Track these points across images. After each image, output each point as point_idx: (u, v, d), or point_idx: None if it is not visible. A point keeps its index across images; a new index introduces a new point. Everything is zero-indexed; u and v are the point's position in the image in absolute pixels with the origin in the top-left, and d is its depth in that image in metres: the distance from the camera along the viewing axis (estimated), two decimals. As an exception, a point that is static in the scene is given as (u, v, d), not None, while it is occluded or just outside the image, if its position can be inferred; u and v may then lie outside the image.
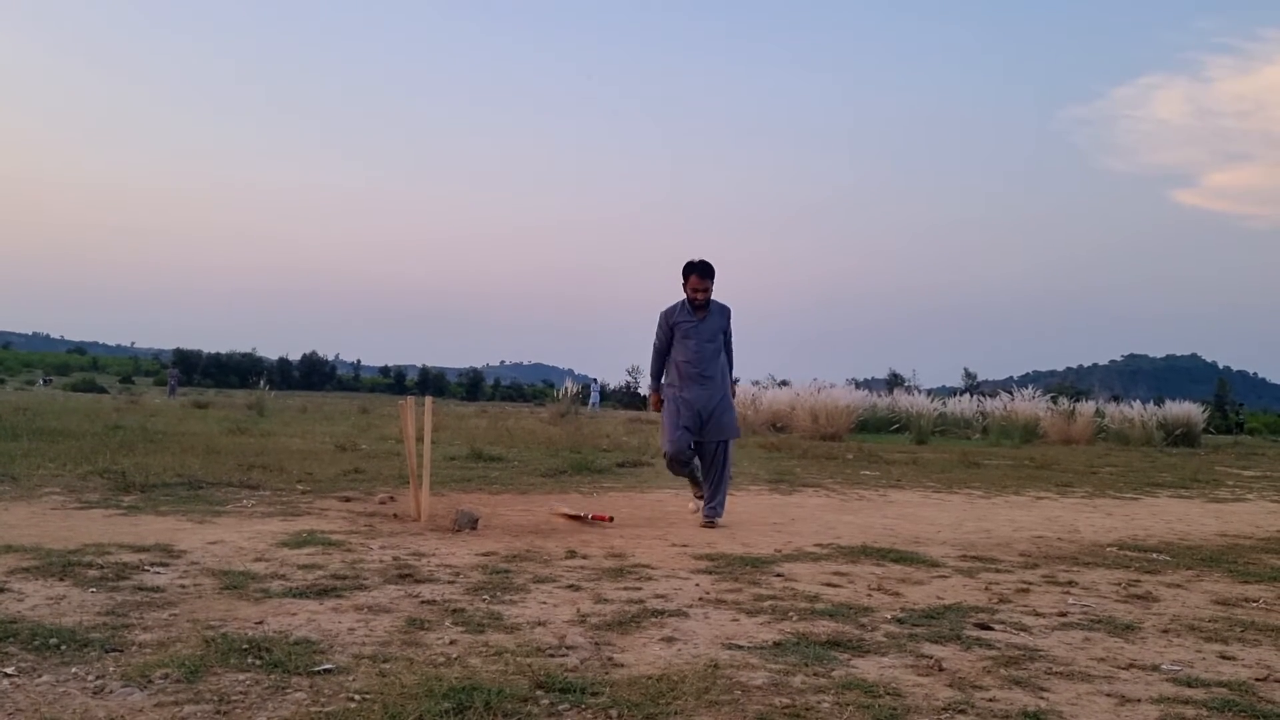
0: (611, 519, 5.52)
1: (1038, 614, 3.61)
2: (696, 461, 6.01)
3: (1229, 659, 3.08)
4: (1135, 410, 20.53)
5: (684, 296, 6.04)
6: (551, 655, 2.79)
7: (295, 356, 68.08)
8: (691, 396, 5.93)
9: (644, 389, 5.94)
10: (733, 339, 6.21)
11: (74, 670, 2.48)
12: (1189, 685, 2.75)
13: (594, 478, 8.29)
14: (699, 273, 5.97)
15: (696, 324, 6.01)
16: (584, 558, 4.43)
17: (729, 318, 6.13)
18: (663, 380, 6.11)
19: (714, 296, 6.02)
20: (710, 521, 5.82)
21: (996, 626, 3.37)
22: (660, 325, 6.10)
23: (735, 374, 6.36)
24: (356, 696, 2.35)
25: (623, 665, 2.72)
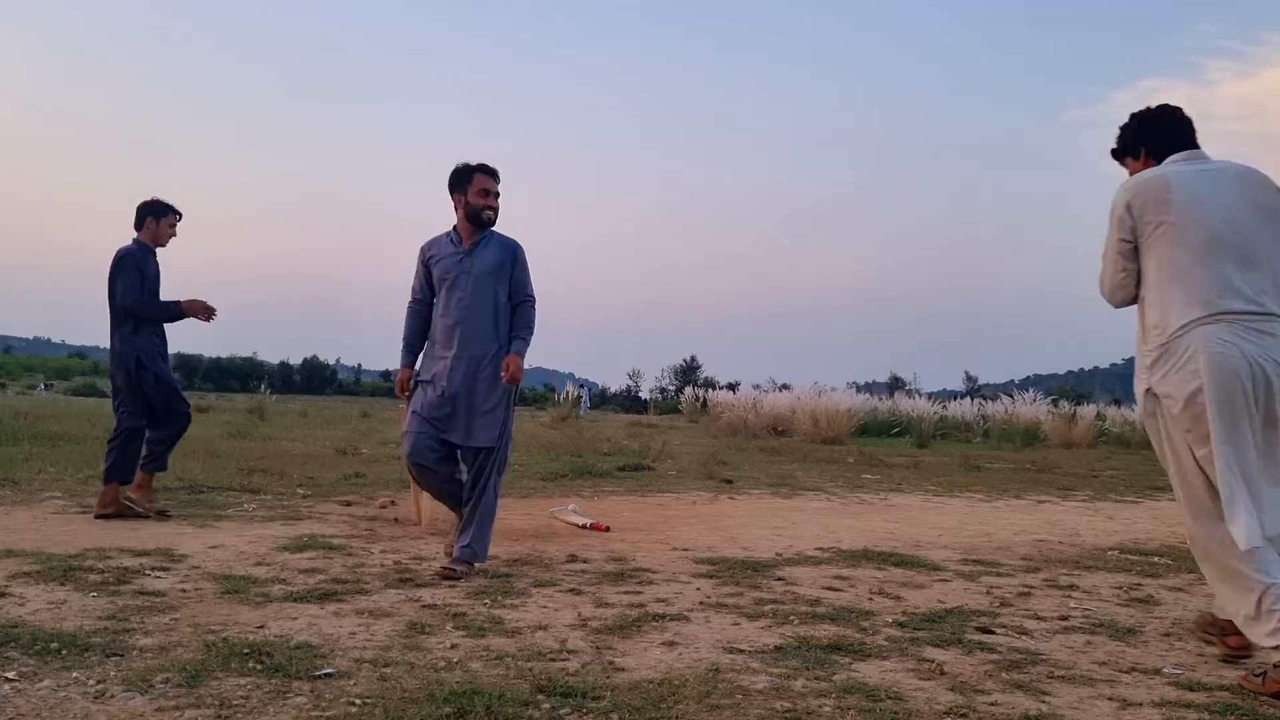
0: (609, 528, 5.50)
1: (1039, 618, 3.61)
2: (461, 472, 4.17)
3: (1230, 662, 3.07)
4: (1136, 413, 20.52)
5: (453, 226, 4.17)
6: (552, 659, 2.78)
7: (296, 360, 68.13)
8: (444, 372, 4.04)
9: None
10: (530, 287, 4.18)
11: (75, 675, 2.48)
12: (1191, 689, 2.74)
13: (595, 481, 8.29)
14: (488, 172, 4.13)
15: (464, 258, 4.09)
16: (585, 562, 4.43)
17: (519, 257, 4.17)
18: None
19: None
20: (457, 568, 3.92)
21: (998, 630, 3.36)
22: (417, 267, 4.24)
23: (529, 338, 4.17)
24: (357, 701, 2.35)
25: (624, 669, 2.72)
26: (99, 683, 2.42)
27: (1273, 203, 2.95)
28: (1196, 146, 3.09)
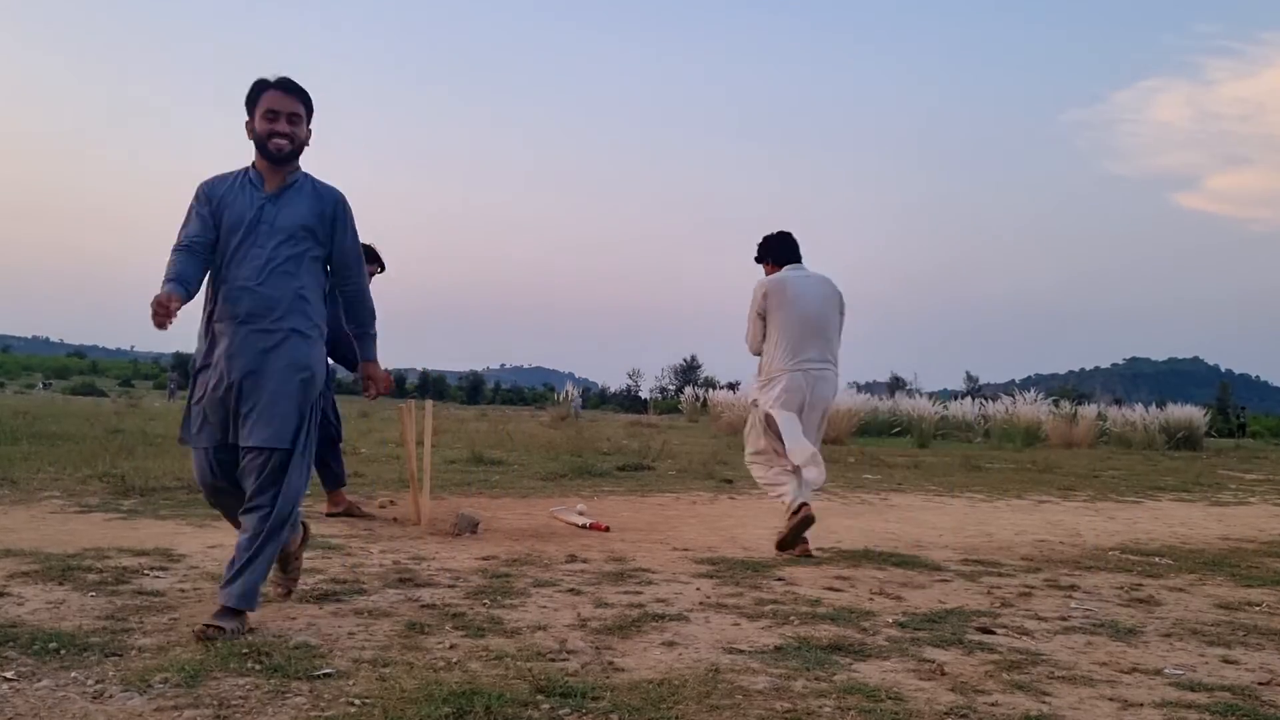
0: (608, 528, 5.48)
1: (1040, 618, 3.60)
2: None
3: (1232, 663, 3.07)
4: (1137, 413, 20.54)
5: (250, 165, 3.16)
6: (552, 659, 2.78)
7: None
8: (223, 354, 3.01)
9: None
10: (361, 258, 3.27)
11: (73, 675, 2.47)
12: (1192, 689, 2.74)
13: (594, 481, 8.28)
14: (283, 87, 3.09)
15: (265, 205, 3.07)
16: (584, 562, 4.42)
17: (341, 213, 3.18)
18: (202, 332, 3.14)
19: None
20: (223, 624, 2.84)
21: (998, 630, 3.36)
22: (193, 209, 3.09)
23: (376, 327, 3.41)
24: (356, 701, 2.34)
25: (623, 669, 2.71)
26: (97, 682, 2.42)
27: (834, 297, 5.00)
28: (800, 259, 5.07)
